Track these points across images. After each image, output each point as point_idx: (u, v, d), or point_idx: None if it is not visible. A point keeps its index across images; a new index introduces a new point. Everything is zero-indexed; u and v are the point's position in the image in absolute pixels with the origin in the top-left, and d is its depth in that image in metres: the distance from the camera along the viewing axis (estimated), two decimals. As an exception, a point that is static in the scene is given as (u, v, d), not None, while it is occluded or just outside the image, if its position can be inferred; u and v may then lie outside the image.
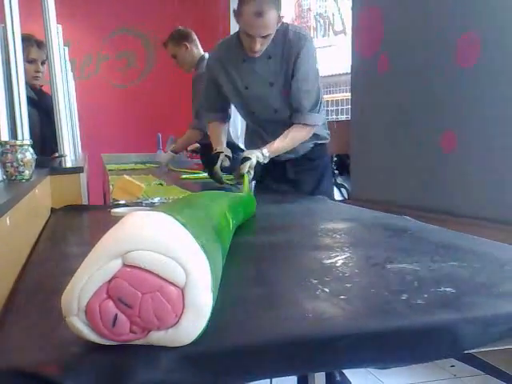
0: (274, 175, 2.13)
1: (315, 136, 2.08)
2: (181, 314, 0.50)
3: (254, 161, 1.86)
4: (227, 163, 2.02)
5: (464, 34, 2.05)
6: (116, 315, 0.49)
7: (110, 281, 0.49)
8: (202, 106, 2.30)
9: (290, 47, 1.93)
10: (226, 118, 2.22)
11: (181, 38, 2.96)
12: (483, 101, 2.00)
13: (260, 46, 1.88)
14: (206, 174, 2.52)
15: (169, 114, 5.33)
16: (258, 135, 2.12)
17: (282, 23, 1.92)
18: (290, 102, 1.99)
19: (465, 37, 2.05)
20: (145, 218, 0.53)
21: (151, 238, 0.50)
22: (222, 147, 2.07)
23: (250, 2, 1.80)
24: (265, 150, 1.91)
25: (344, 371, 1.95)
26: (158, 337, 0.51)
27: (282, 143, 1.98)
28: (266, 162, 1.92)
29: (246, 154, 1.90)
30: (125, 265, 0.49)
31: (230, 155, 2.05)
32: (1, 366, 0.50)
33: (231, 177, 2.04)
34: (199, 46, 2.99)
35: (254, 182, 2.11)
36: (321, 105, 2.02)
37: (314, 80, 2.00)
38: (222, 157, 2.00)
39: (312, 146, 2.13)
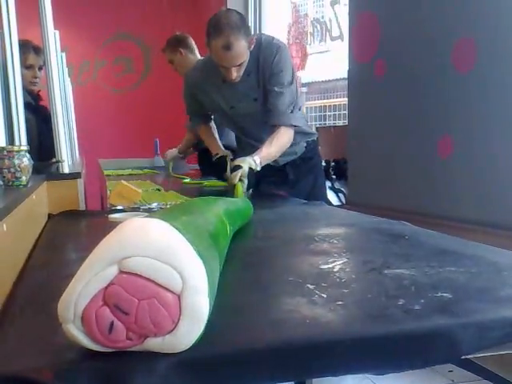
0: (274, 180, 2.15)
1: (304, 134, 2.13)
2: (178, 321, 0.50)
3: (246, 169, 1.80)
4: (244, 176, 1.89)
5: (460, 39, 2.06)
6: (112, 322, 0.49)
7: (106, 287, 0.49)
8: (188, 112, 2.33)
9: (264, 59, 1.95)
10: (209, 119, 2.28)
11: (176, 44, 2.97)
12: (480, 106, 2.00)
13: (236, 74, 1.89)
14: (206, 182, 2.51)
15: (166, 120, 5.33)
16: (249, 145, 2.11)
17: (258, 35, 1.94)
18: (266, 104, 2.00)
19: (461, 42, 2.05)
20: (141, 225, 0.53)
21: (147, 245, 0.50)
22: (223, 151, 2.05)
23: (217, 36, 1.79)
24: (256, 157, 1.87)
25: (341, 376, 1.94)
26: (154, 343, 0.51)
27: (270, 149, 1.95)
28: (258, 169, 1.87)
29: (238, 162, 1.84)
30: (121, 271, 0.49)
31: (232, 157, 2.01)
32: (-3, 372, 0.50)
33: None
34: (196, 51, 2.99)
35: (251, 190, 2.08)
36: (295, 106, 2.02)
37: (288, 83, 1.99)
38: (229, 161, 1.95)
39: (305, 144, 2.18)
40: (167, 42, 3.02)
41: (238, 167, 1.80)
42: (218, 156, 2.02)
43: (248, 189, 1.84)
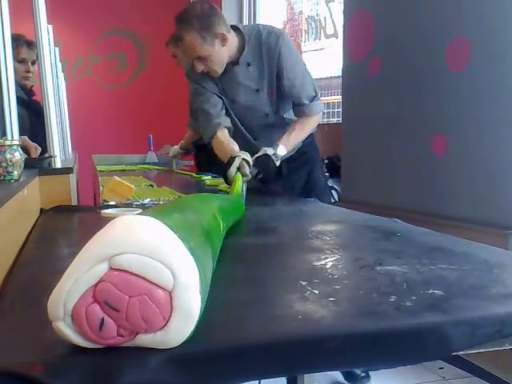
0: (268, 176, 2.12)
1: None
2: (169, 317, 0.50)
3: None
4: (247, 170, 1.72)
5: (454, 38, 2.06)
6: (103, 319, 0.49)
7: (96, 284, 0.49)
8: (203, 117, 1.99)
9: (268, 49, 1.90)
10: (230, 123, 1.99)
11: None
12: (474, 103, 2.01)
13: (201, 67, 1.84)
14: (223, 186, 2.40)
15: (160, 115, 5.32)
16: (247, 144, 2.02)
17: (253, 25, 1.90)
18: (292, 100, 1.97)
19: (455, 40, 2.06)
20: (132, 222, 0.53)
21: (138, 241, 0.50)
22: (236, 151, 1.82)
23: (176, 27, 1.77)
24: (281, 147, 1.86)
25: (332, 372, 1.96)
26: (145, 340, 0.51)
27: (296, 135, 1.94)
28: (284, 155, 1.87)
29: (263, 151, 1.84)
30: (111, 268, 0.49)
31: (250, 159, 1.77)
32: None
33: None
34: None
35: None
36: (318, 91, 2.01)
37: (303, 71, 1.98)
38: (237, 161, 1.72)
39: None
40: (171, 36, 2.95)
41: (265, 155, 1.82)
42: (230, 157, 1.78)
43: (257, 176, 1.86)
